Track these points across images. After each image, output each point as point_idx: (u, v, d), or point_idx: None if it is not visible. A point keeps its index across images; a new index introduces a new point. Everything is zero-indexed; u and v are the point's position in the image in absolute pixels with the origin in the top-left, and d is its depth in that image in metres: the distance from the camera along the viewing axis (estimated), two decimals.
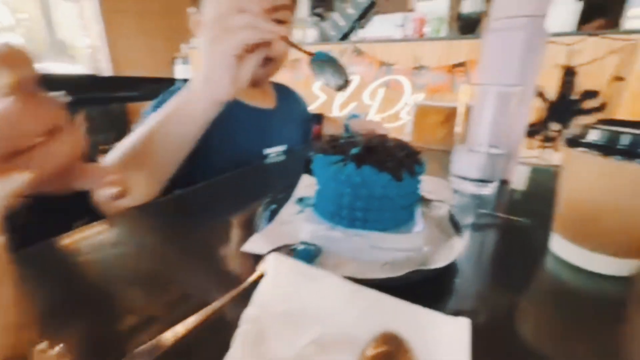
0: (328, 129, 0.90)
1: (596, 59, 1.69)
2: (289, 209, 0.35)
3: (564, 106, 1.80)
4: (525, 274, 0.28)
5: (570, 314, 0.23)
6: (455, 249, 0.26)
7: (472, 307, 0.24)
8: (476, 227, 0.36)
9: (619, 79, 1.67)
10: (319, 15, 4.23)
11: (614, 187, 0.23)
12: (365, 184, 0.26)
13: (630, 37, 1.61)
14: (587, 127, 0.26)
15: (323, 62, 0.49)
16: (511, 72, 0.43)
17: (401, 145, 0.30)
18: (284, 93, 0.88)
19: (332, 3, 4.36)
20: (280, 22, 0.63)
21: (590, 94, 1.74)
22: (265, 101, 0.80)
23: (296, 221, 0.32)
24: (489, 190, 0.45)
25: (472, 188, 0.46)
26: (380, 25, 2.59)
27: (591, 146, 0.25)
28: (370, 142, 0.29)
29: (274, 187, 0.40)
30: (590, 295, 0.25)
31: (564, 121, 1.82)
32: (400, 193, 0.27)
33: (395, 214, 0.27)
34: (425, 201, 0.35)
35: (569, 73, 1.75)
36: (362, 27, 2.71)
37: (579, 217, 0.26)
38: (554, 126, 1.86)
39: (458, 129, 0.46)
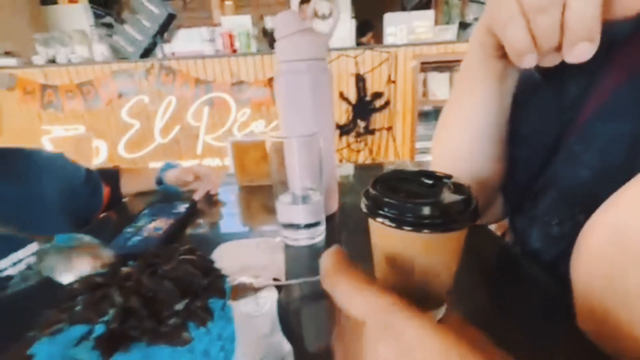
0: (131, 187, 0.69)
1: (374, 67, 2.12)
2: None
3: (363, 106, 2.19)
4: None
5: None
6: None
7: None
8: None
9: (392, 81, 2.16)
10: (108, 25, 3.54)
11: (406, 251, 0.22)
12: None
13: (390, 50, 2.10)
14: (381, 197, 0.25)
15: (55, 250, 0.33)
16: (306, 117, 0.42)
17: (199, 266, 0.22)
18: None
19: (119, 13, 3.75)
20: None
21: (378, 95, 2.19)
22: None
23: None
24: (319, 236, 0.43)
25: (303, 238, 0.43)
26: (188, 40, 2.40)
27: (384, 217, 0.23)
28: (140, 284, 0.19)
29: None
30: None
31: (365, 118, 2.22)
32: (197, 353, 0.18)
33: None
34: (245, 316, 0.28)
35: (360, 79, 2.14)
36: (167, 41, 2.43)
37: (386, 273, 0.25)
38: (361, 123, 2.24)
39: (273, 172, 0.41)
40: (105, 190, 0.67)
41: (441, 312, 0.25)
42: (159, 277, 0.20)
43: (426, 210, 0.19)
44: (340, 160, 2.31)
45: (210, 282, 0.21)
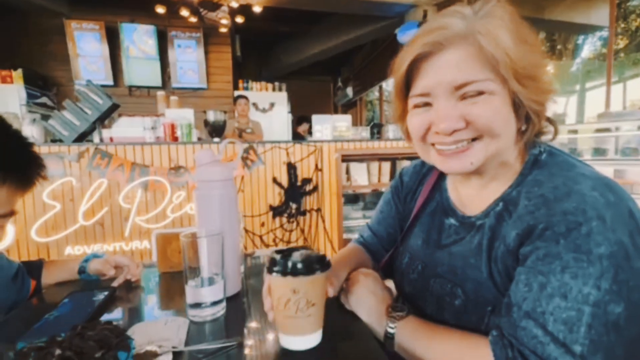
0: (53, 279, 0.73)
1: (303, 157, 2.46)
2: None
3: (294, 190, 2.44)
4: None
5: None
6: None
7: None
8: None
9: (319, 170, 2.50)
10: (42, 105, 3.53)
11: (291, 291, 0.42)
12: None
13: (316, 144, 2.49)
14: (273, 260, 0.44)
15: None
16: (214, 224, 0.57)
17: (114, 332, 0.33)
18: None
19: (57, 95, 3.79)
20: None
21: (307, 180, 2.48)
22: None
23: None
24: (220, 312, 0.55)
25: (207, 315, 0.54)
26: (129, 127, 2.53)
27: (276, 271, 0.43)
28: (72, 343, 0.30)
29: None
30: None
31: (297, 201, 2.45)
32: None
33: None
34: None
35: (291, 167, 2.43)
36: (106, 127, 2.53)
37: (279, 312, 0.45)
38: (293, 205, 2.46)
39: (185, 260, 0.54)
40: (32, 284, 0.70)
41: (320, 333, 0.45)
42: (85, 339, 0.32)
43: (296, 263, 0.41)
44: (274, 240, 2.43)
45: (119, 341, 0.32)
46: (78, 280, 0.73)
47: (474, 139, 0.43)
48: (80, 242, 2.13)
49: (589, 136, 2.95)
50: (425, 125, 0.46)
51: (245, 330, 0.51)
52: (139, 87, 4.10)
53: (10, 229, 2.01)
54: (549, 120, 0.47)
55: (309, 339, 0.44)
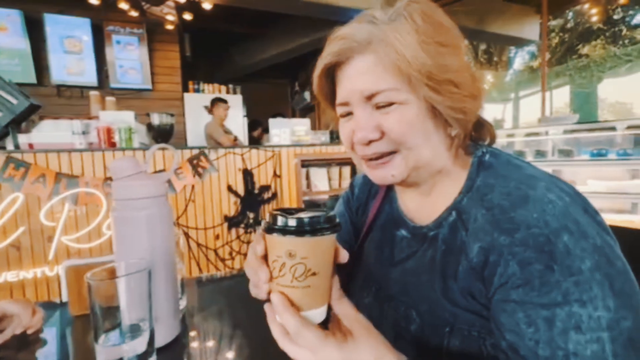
0: None
1: (261, 163, 2.32)
2: None
3: (252, 198, 2.28)
4: None
5: None
6: None
7: None
8: None
9: (278, 176, 2.37)
10: None
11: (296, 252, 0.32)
12: None
13: (274, 149, 2.36)
14: (272, 218, 0.33)
15: None
16: (138, 255, 0.44)
17: None
18: None
19: None
20: None
21: (265, 188, 2.34)
22: None
23: None
24: None
25: None
26: (54, 132, 2.18)
27: (269, 229, 0.32)
28: None
29: None
30: None
31: (255, 210, 2.30)
32: None
33: None
34: None
35: (247, 174, 2.28)
36: (25, 131, 2.15)
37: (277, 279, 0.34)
38: (250, 214, 2.30)
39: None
40: None
41: (324, 311, 0.34)
42: None
43: (294, 220, 0.30)
44: (230, 253, 2.25)
45: None
46: None
47: (394, 152, 0.42)
48: None
49: (525, 139, 3.22)
50: (349, 134, 0.44)
51: None
52: (69, 87, 3.61)
53: None
54: (484, 122, 0.46)
55: (307, 316, 0.33)
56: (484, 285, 0.37)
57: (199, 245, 2.16)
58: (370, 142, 0.41)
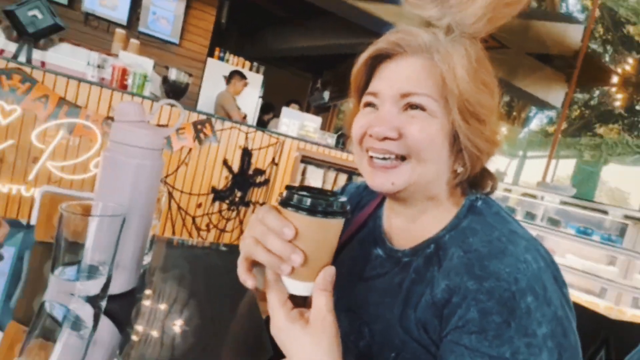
0: None
1: (262, 146, 2.32)
2: None
3: (244, 178, 2.28)
4: None
5: None
6: None
7: None
8: None
9: (275, 163, 2.37)
10: None
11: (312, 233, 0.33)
12: None
13: (280, 137, 2.36)
14: (291, 193, 0.34)
15: None
16: (118, 199, 0.44)
17: None
18: None
19: None
20: None
21: (260, 172, 2.34)
22: None
23: None
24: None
25: None
26: (70, 57, 2.16)
27: (294, 206, 0.33)
28: None
29: None
30: None
31: (244, 190, 2.30)
32: None
33: None
34: None
35: (247, 153, 2.27)
36: (42, 48, 2.12)
37: None
38: (238, 193, 2.29)
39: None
40: None
41: (311, 286, 0.35)
42: None
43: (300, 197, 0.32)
44: (207, 225, 2.24)
45: None
46: None
47: (403, 158, 0.42)
48: None
49: (520, 198, 3.26)
50: (365, 126, 0.44)
51: (120, 342, 0.39)
52: (97, 18, 3.56)
53: None
54: (487, 173, 0.47)
55: (293, 284, 0.35)
56: (439, 322, 0.38)
57: (179, 208, 2.15)
58: (384, 139, 0.41)
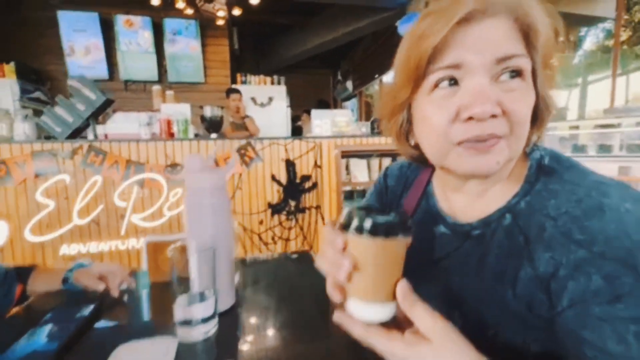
0: (39, 286, 0.69)
1: (302, 154, 2.41)
2: None
3: (293, 187, 2.40)
4: None
5: None
6: None
7: None
8: None
9: (318, 166, 2.45)
10: (36, 100, 3.45)
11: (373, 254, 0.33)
12: None
13: (315, 140, 2.44)
14: (350, 216, 0.35)
15: None
16: (205, 235, 0.53)
17: None
18: None
19: (51, 90, 3.71)
20: None
21: (306, 178, 2.44)
22: None
23: None
24: (212, 329, 0.52)
25: (197, 334, 0.51)
26: (125, 123, 2.48)
27: (355, 229, 0.33)
28: None
29: None
30: None
31: (296, 198, 2.41)
32: None
33: None
34: None
35: (290, 164, 2.39)
36: (100, 123, 2.47)
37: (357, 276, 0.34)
38: (292, 202, 2.42)
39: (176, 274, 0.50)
40: (18, 289, 0.67)
41: (394, 305, 0.35)
42: None
43: (382, 223, 0.31)
44: (273, 238, 2.40)
45: None
46: (65, 292, 0.69)
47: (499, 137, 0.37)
48: (76, 241, 2.10)
49: (591, 132, 2.89)
50: (451, 112, 0.37)
51: (240, 350, 0.48)
52: (134, 82, 4.02)
53: (3, 227, 1.98)
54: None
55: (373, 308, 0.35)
56: (547, 297, 0.35)
57: (244, 229, 2.33)
58: (490, 117, 0.35)
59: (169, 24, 4.04)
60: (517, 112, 0.36)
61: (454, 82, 0.37)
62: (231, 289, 0.59)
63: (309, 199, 2.44)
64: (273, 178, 2.36)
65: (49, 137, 2.19)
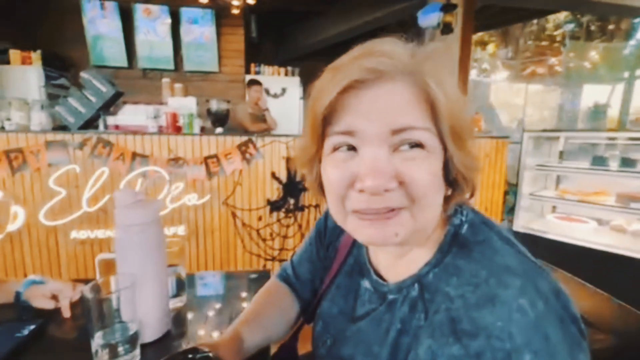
0: None
1: None
2: None
3: (293, 185, 2.40)
4: None
5: None
6: None
7: None
8: None
9: None
10: (61, 87, 3.63)
11: None
12: None
13: None
14: None
15: None
16: (134, 266, 0.54)
17: None
18: None
19: (75, 77, 3.87)
20: None
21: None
22: None
23: None
24: None
25: None
26: (133, 115, 2.55)
27: None
28: None
29: None
30: None
31: (295, 196, 2.42)
32: None
33: None
34: None
35: (290, 162, 2.38)
36: (112, 114, 2.56)
37: None
38: (291, 200, 2.42)
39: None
40: None
41: None
42: None
43: None
44: (271, 234, 2.43)
45: None
46: (12, 306, 0.67)
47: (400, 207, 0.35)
48: (85, 227, 2.22)
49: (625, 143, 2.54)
50: (347, 178, 0.35)
51: None
52: (152, 70, 4.11)
53: (20, 212, 2.13)
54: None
55: None
56: None
57: (244, 224, 2.37)
58: (384, 191, 0.33)
59: (186, 12, 4.05)
60: (417, 181, 0.34)
61: (352, 147, 0.36)
62: (162, 318, 0.60)
63: (308, 198, 2.44)
64: (273, 175, 2.36)
65: (61, 128, 2.29)
